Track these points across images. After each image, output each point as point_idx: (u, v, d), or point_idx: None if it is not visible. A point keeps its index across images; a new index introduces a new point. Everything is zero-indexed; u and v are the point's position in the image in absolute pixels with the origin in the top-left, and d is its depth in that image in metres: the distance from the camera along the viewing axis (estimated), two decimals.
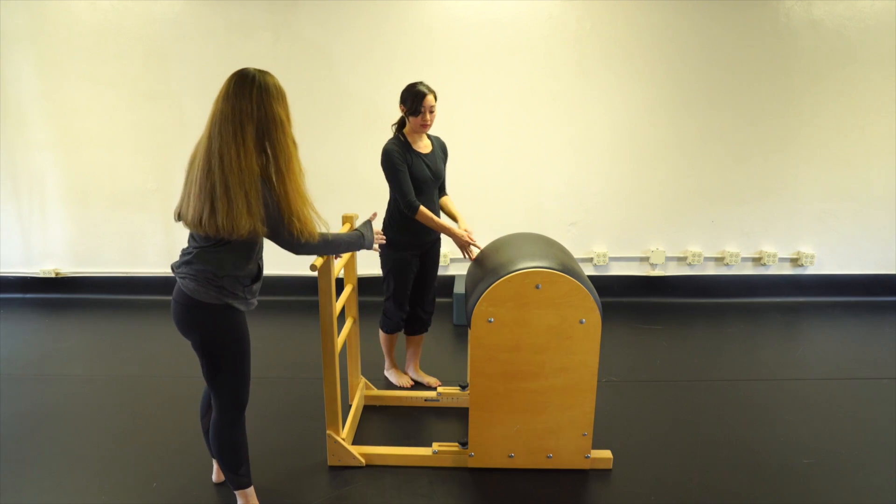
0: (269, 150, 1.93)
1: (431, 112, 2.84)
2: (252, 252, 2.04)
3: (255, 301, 2.12)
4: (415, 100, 2.80)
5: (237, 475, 2.22)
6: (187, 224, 1.95)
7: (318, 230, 2.07)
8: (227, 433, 2.16)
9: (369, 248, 2.35)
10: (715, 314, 4.39)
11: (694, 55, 4.26)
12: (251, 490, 2.29)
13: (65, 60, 4.33)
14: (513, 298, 2.36)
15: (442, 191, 3.15)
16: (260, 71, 1.96)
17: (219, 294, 1.99)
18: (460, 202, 4.50)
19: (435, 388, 3.20)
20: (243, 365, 2.11)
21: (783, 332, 4.07)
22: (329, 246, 2.17)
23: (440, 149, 3.09)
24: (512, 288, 2.34)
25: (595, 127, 4.39)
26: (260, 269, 2.12)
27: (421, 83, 2.85)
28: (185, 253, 2.05)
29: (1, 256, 4.75)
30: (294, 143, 1.98)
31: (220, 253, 1.97)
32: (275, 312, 4.39)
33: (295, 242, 2.01)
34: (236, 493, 2.29)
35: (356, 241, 2.30)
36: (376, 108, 4.38)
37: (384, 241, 2.51)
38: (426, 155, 2.96)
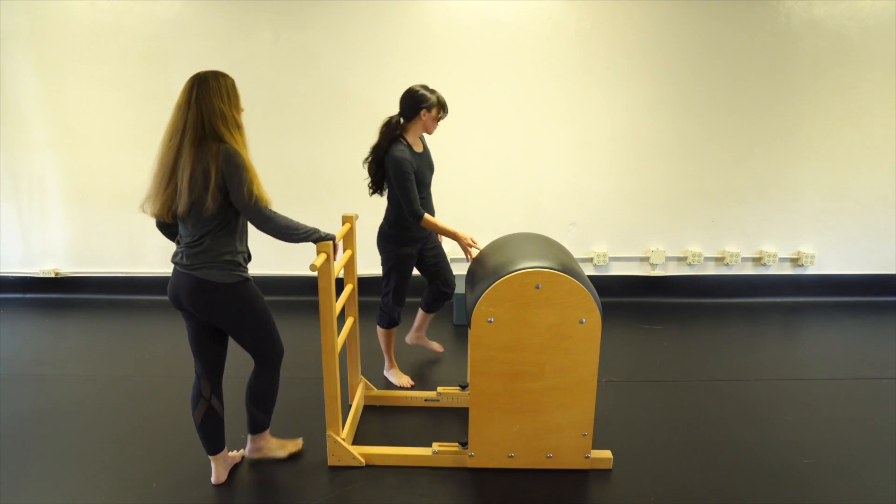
0: (216, 136, 2.15)
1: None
2: (246, 229, 2.34)
3: None
4: (442, 107, 2.96)
5: (269, 416, 2.54)
6: (171, 215, 2.18)
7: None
8: (270, 378, 2.46)
9: (327, 239, 2.39)
10: (715, 314, 4.39)
11: (694, 55, 4.26)
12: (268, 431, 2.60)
13: (64, 60, 4.33)
14: (513, 298, 2.36)
15: None
16: (206, 71, 2.25)
17: (237, 270, 2.26)
18: (460, 202, 4.51)
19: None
20: (271, 320, 2.41)
21: (783, 332, 4.07)
22: (286, 227, 2.25)
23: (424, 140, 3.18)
24: (512, 288, 2.34)
25: (595, 127, 4.39)
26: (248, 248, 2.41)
27: (434, 90, 2.96)
28: (191, 244, 2.20)
29: (1, 256, 4.75)
30: (238, 126, 2.23)
31: (228, 234, 2.22)
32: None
33: (247, 204, 2.15)
34: (255, 436, 2.55)
35: (311, 232, 2.33)
36: (376, 107, 4.37)
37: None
38: (423, 154, 3.05)
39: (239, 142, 2.19)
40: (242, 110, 2.29)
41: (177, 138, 2.14)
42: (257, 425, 2.54)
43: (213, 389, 2.41)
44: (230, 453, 2.61)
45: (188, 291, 2.21)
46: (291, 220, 2.28)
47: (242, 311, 2.29)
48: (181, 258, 2.23)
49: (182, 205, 2.12)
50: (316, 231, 2.36)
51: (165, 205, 2.15)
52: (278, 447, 2.64)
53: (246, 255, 2.34)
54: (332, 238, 2.41)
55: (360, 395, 3.04)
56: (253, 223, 2.21)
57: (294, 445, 2.68)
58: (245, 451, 2.63)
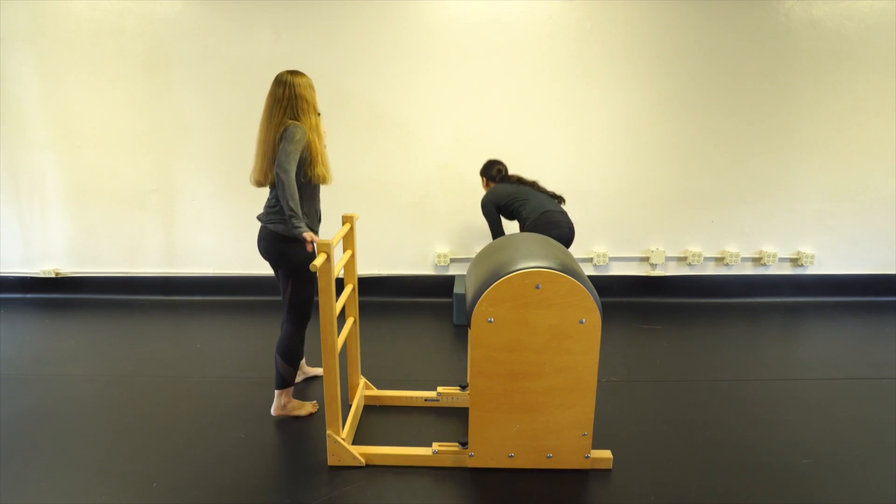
0: (296, 118, 2.72)
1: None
2: (313, 196, 2.83)
3: None
4: None
5: (293, 370, 2.93)
6: (265, 184, 2.80)
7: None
8: (293, 333, 2.89)
9: (297, 235, 2.67)
10: (715, 314, 4.39)
11: (694, 55, 4.26)
12: (289, 391, 2.98)
13: (65, 60, 4.33)
14: (513, 298, 2.36)
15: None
16: (290, 72, 2.75)
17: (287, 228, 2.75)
18: (461, 201, 4.52)
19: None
20: (313, 285, 2.85)
21: (783, 332, 4.07)
22: (290, 205, 2.63)
23: None
24: (512, 288, 2.35)
25: (595, 127, 4.39)
26: (316, 212, 2.88)
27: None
28: (270, 205, 2.76)
29: (1, 256, 4.75)
30: (317, 112, 2.79)
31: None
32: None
33: (277, 164, 2.63)
34: (281, 391, 2.95)
35: (299, 225, 2.66)
36: (376, 107, 4.38)
37: (311, 247, 2.78)
38: None
39: (312, 124, 2.73)
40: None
41: (264, 122, 2.72)
42: (283, 380, 2.93)
43: None
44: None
45: (264, 241, 2.77)
46: (298, 209, 2.65)
47: (294, 262, 2.77)
48: (263, 216, 2.79)
49: (265, 172, 2.72)
50: (302, 227, 2.67)
51: (260, 173, 2.74)
52: (299, 406, 3.02)
53: (313, 220, 2.84)
54: (304, 236, 2.67)
55: (360, 395, 3.04)
56: (276, 182, 2.64)
57: (312, 406, 3.05)
58: (271, 410, 3.01)
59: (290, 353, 2.90)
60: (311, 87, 2.77)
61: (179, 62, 4.32)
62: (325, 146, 2.82)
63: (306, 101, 2.73)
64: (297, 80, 2.74)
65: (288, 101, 2.70)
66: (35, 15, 4.25)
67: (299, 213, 2.65)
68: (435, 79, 4.31)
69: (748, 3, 4.17)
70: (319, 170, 2.72)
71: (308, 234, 2.68)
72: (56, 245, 4.72)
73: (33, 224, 4.69)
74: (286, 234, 2.73)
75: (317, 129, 2.76)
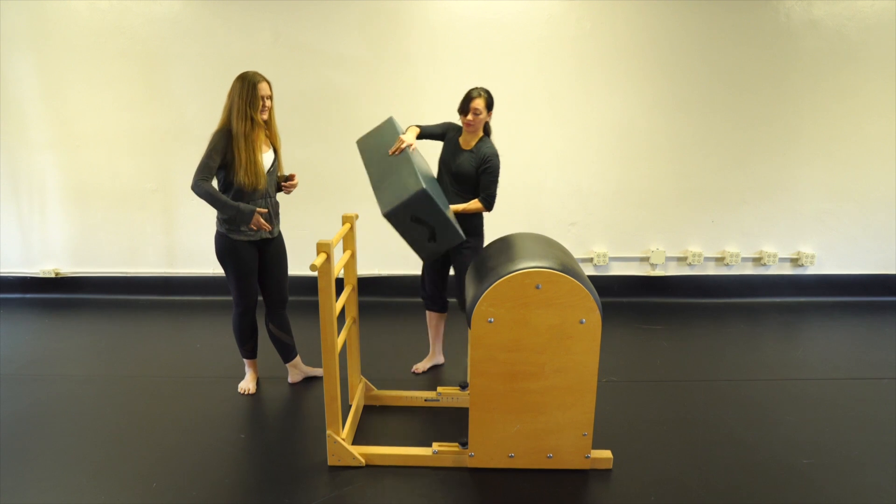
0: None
1: (472, 113, 2.96)
2: (249, 196, 2.90)
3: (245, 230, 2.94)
4: (462, 100, 2.99)
5: (240, 349, 3.23)
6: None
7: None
8: (234, 320, 3.15)
9: (245, 221, 2.84)
10: (715, 314, 4.39)
11: (694, 55, 4.26)
12: (250, 362, 3.28)
13: (65, 61, 4.33)
14: (513, 298, 2.36)
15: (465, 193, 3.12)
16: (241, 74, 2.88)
17: (222, 227, 2.94)
18: None
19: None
20: (243, 280, 3.01)
21: (783, 332, 4.07)
22: (209, 196, 2.78)
23: (474, 156, 3.04)
24: (512, 288, 2.35)
25: (595, 127, 4.39)
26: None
27: (474, 88, 2.99)
28: None
29: (1, 256, 4.75)
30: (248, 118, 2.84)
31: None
32: None
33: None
34: (247, 361, 3.28)
35: (232, 209, 2.80)
36: (375, 107, 4.38)
37: (267, 229, 2.95)
38: (463, 151, 3.07)
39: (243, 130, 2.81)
40: (262, 105, 2.86)
41: None
42: (240, 353, 3.28)
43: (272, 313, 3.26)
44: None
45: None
46: (218, 196, 2.77)
47: (220, 257, 2.98)
48: None
49: None
50: (237, 209, 2.80)
51: None
52: (245, 381, 3.28)
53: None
54: (253, 211, 2.81)
55: (360, 395, 3.04)
56: None
57: (247, 387, 3.25)
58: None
59: (235, 329, 3.16)
60: (247, 88, 2.80)
61: (179, 62, 4.32)
62: (256, 153, 2.83)
63: (235, 107, 2.81)
64: (234, 82, 2.84)
65: (229, 102, 2.83)
66: (35, 15, 4.25)
67: (229, 204, 2.78)
68: (435, 78, 4.31)
69: (748, 4, 4.17)
70: (242, 176, 2.80)
71: (255, 217, 2.83)
72: (56, 245, 4.72)
73: (33, 224, 4.69)
74: (216, 229, 2.97)
75: (247, 135, 2.80)
